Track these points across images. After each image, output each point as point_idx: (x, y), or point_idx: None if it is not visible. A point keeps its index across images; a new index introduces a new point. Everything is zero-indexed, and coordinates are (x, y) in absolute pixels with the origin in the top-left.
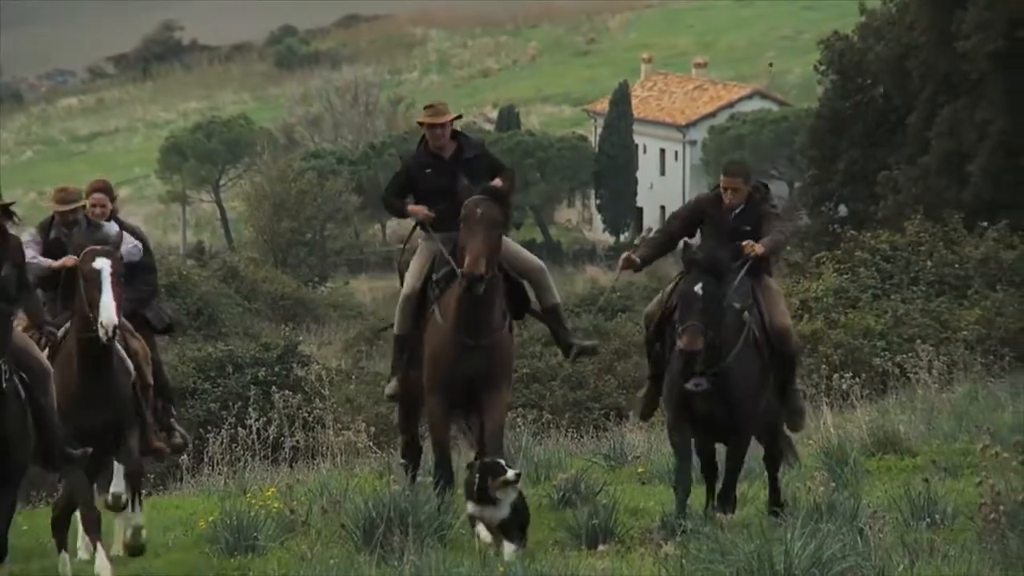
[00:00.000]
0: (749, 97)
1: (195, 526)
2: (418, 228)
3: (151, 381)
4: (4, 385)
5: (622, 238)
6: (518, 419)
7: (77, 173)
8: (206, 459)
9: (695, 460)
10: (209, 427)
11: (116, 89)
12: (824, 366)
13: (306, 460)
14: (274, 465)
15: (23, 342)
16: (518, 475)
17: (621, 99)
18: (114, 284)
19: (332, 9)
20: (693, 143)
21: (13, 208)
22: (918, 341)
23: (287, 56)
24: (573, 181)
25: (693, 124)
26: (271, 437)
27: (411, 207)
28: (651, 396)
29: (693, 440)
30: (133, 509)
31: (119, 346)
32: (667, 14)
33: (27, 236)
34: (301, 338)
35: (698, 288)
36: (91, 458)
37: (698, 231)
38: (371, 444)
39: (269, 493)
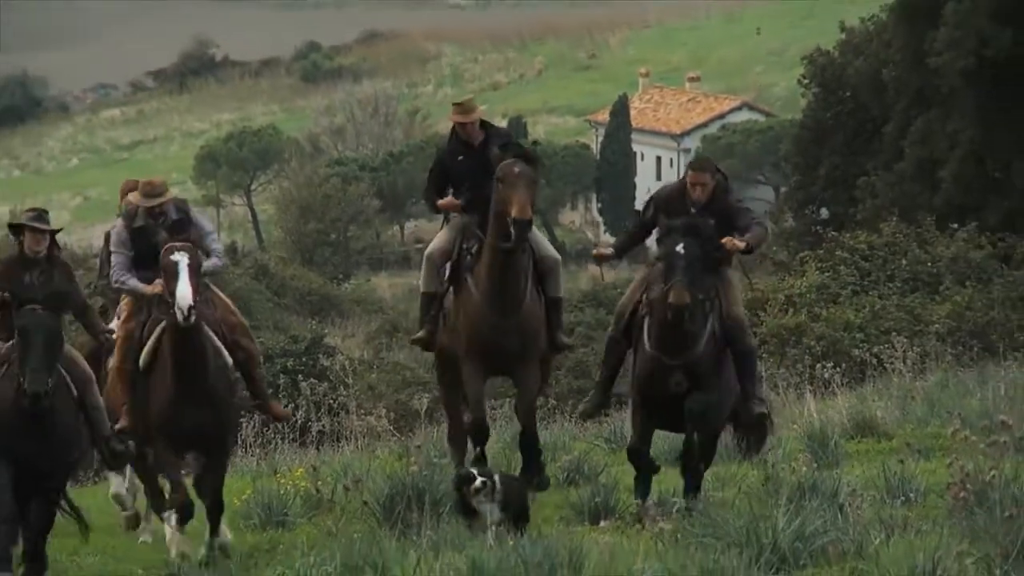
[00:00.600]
0: (738, 109)
1: (230, 503)
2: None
3: (254, 353)
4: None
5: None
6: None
7: (119, 179)
8: (239, 442)
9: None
10: (242, 413)
11: (155, 101)
12: (807, 356)
13: (331, 443)
14: (302, 448)
15: (69, 352)
16: (484, 482)
17: (620, 110)
18: (190, 274)
19: (354, 27)
20: (687, 151)
21: (60, 230)
22: (894, 333)
23: (312, 71)
24: (576, 186)
25: (687, 133)
26: (299, 422)
27: (440, 201)
28: (600, 400)
29: (662, 427)
30: (215, 533)
31: (213, 338)
32: (663, 32)
33: (116, 229)
34: (326, 331)
35: (680, 248)
36: (193, 457)
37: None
38: (391, 429)
39: (297, 473)
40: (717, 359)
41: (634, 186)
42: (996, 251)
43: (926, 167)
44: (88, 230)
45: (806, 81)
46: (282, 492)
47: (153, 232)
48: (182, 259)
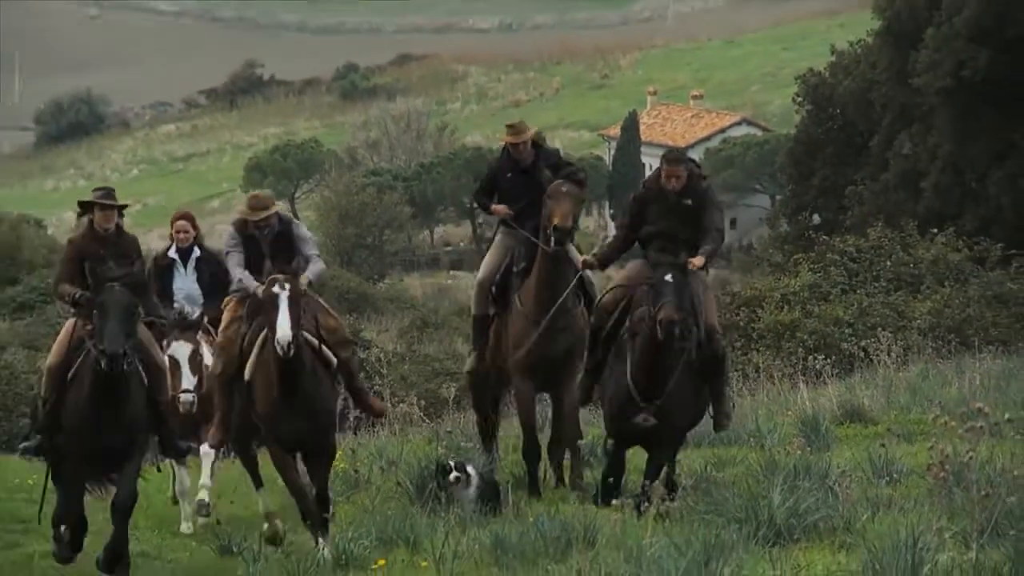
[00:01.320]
0: (738, 124)
1: (275, 483)
2: (500, 225)
3: (352, 353)
4: (127, 368)
5: None
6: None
7: (175, 187)
8: None
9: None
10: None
11: (207, 117)
12: (801, 349)
13: (367, 428)
14: (340, 432)
15: (146, 340)
16: (458, 477)
17: (631, 126)
18: (290, 305)
19: (388, 49)
20: None
21: (126, 210)
22: (879, 328)
23: (350, 89)
24: (590, 194)
25: (691, 146)
26: (338, 409)
27: (494, 206)
28: (587, 386)
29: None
30: (324, 536)
31: (313, 344)
32: (669, 54)
33: (227, 235)
34: (363, 326)
35: (668, 277)
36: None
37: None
38: (422, 415)
39: (337, 456)
40: (688, 392)
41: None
42: (972, 254)
43: (909, 177)
44: (147, 235)
45: (799, 99)
46: None
47: (261, 239)
48: (282, 292)
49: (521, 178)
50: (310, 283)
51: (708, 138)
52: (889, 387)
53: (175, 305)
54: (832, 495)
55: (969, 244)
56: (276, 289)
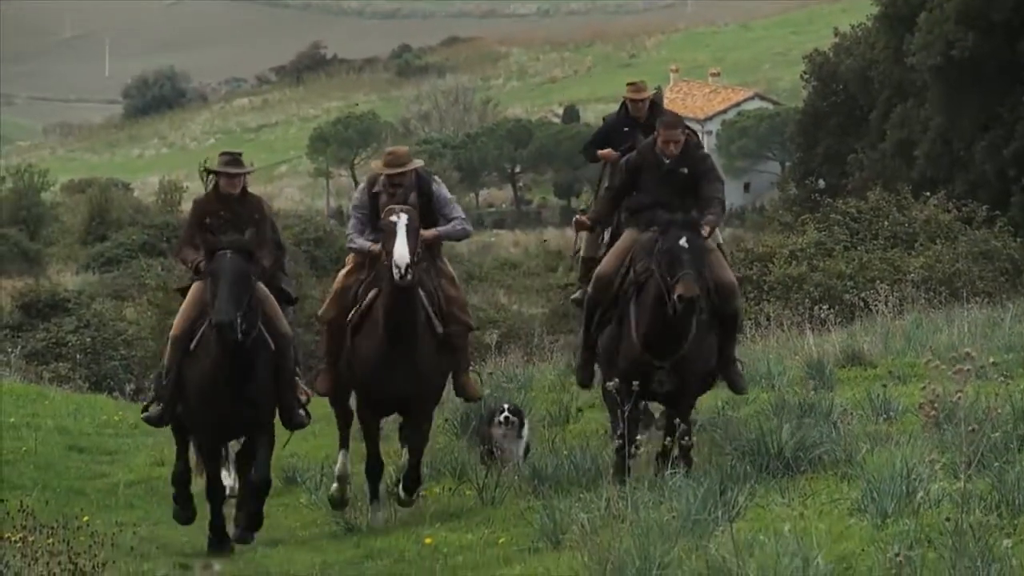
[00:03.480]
0: (751, 99)
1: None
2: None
3: (466, 328)
4: (240, 336)
5: None
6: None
7: (247, 155)
8: None
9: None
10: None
11: (277, 92)
12: (807, 300)
13: None
14: None
15: (272, 309)
16: (509, 420)
17: (656, 100)
18: (408, 234)
19: (439, 32)
20: (710, 133)
21: (251, 170)
22: (877, 281)
23: (405, 67)
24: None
25: (710, 119)
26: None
27: (601, 152)
28: (588, 364)
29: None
30: (409, 492)
31: (427, 307)
32: (690, 36)
33: (356, 192)
34: None
35: (683, 241)
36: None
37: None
38: None
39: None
40: (704, 349)
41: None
42: (961, 215)
43: (904, 146)
44: None
45: (806, 76)
46: None
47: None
48: (400, 219)
49: (637, 133)
50: (437, 236)
51: (725, 111)
52: (886, 334)
53: None
54: (835, 431)
55: (958, 206)
56: (394, 217)
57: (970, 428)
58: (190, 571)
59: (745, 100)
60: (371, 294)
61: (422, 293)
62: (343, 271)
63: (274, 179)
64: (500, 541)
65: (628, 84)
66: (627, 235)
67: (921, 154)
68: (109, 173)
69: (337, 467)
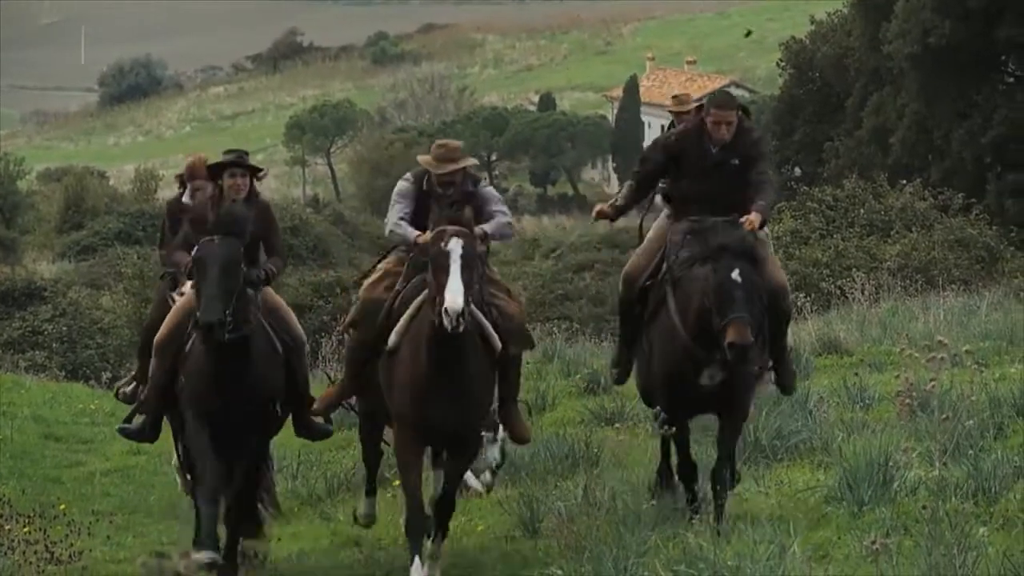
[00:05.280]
0: (727, 87)
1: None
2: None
3: (520, 352)
4: (227, 336)
5: None
6: (553, 329)
7: (223, 143)
8: (320, 357)
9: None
10: (322, 334)
11: (253, 80)
12: None
13: None
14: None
15: (285, 312)
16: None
17: (631, 88)
18: (464, 266)
19: (415, 19)
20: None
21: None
22: (853, 269)
23: (381, 55)
24: (595, 150)
25: None
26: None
27: None
28: (625, 360)
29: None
30: (440, 536)
31: (483, 324)
32: (666, 24)
33: (399, 185)
34: None
35: (736, 275)
36: (437, 456)
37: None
38: None
39: None
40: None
41: (642, 149)
42: (936, 202)
43: (880, 134)
44: None
45: (782, 64)
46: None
47: (437, 200)
48: (455, 248)
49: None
50: (485, 235)
51: (701, 99)
52: (862, 322)
53: None
54: (811, 419)
55: (934, 194)
56: (447, 245)
57: (944, 416)
58: (167, 559)
59: (721, 87)
60: (415, 304)
61: (474, 311)
62: (369, 279)
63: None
64: (478, 529)
65: (672, 98)
66: (656, 228)
67: (897, 142)
68: (85, 161)
69: (361, 508)
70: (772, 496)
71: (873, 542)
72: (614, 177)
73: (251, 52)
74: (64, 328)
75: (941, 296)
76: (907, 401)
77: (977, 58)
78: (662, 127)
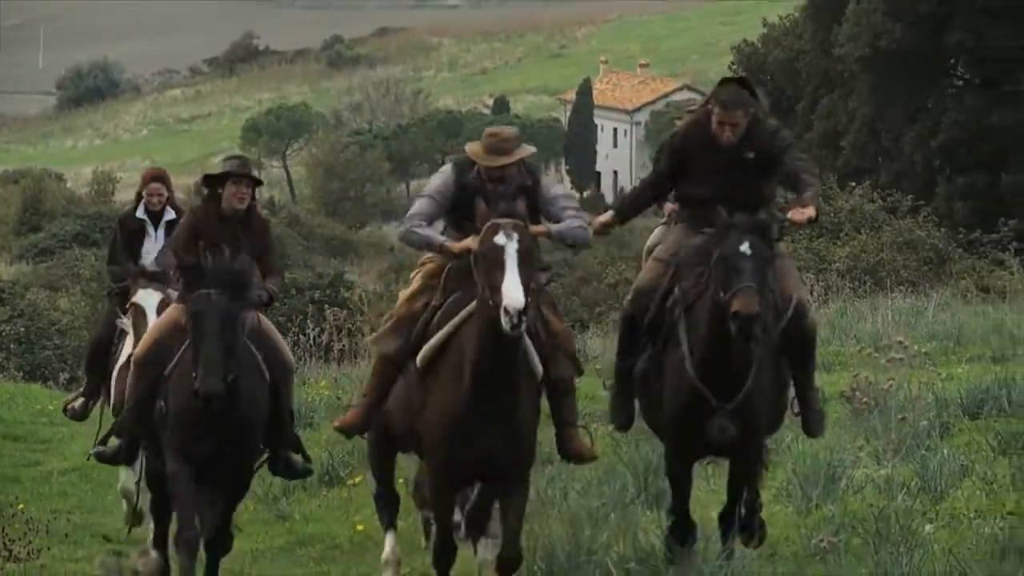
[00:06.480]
0: (680, 89)
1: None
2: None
3: (572, 370)
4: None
5: (585, 194)
6: None
7: (180, 146)
8: None
9: None
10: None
11: (209, 83)
12: None
13: (350, 359)
14: (326, 363)
15: (274, 338)
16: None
17: (585, 91)
18: (521, 261)
19: (370, 23)
20: (638, 124)
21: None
22: (803, 271)
23: (336, 58)
24: (549, 152)
25: (638, 109)
26: (324, 343)
27: None
28: (624, 401)
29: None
30: None
31: (529, 346)
32: (619, 27)
33: (440, 177)
34: (346, 268)
35: (745, 248)
36: (478, 493)
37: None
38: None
39: (322, 384)
40: (770, 382)
41: (595, 152)
42: (885, 204)
43: (830, 136)
44: None
45: (734, 67)
46: (309, 399)
47: (482, 196)
48: (510, 242)
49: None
50: (548, 233)
51: (653, 102)
52: None
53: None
54: None
55: (883, 196)
56: (501, 239)
57: (900, 417)
58: (125, 558)
59: (674, 91)
60: (455, 321)
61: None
62: (406, 292)
63: (207, 169)
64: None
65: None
66: (673, 235)
67: (847, 144)
68: (43, 164)
69: (385, 553)
70: (721, 495)
71: (821, 540)
72: (567, 179)
73: (208, 55)
74: (22, 329)
75: (889, 297)
76: (864, 400)
77: (927, 62)
78: (615, 130)
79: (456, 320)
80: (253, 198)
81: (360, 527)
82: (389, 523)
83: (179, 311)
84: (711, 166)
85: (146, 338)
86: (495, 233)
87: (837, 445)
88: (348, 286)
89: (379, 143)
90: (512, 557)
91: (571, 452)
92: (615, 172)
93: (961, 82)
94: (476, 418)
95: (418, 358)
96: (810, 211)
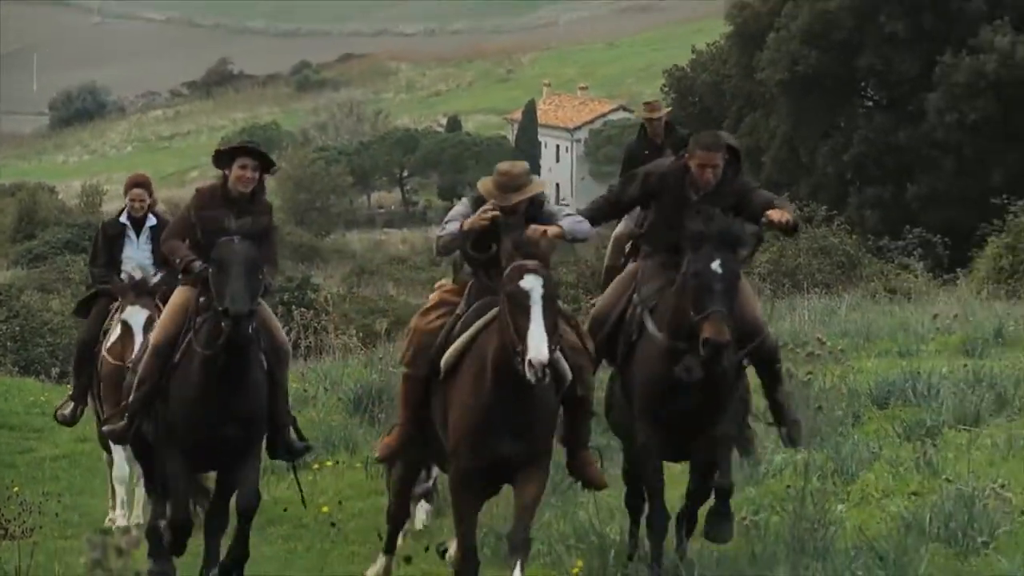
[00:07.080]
0: (616, 110)
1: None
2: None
3: (589, 389)
4: (251, 335)
5: None
6: None
7: (162, 161)
8: None
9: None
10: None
11: (188, 105)
12: None
13: (315, 356)
14: (293, 359)
15: (269, 321)
16: None
17: (530, 111)
18: (546, 308)
19: (335, 49)
20: (578, 141)
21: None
22: None
23: (304, 82)
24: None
25: (578, 128)
26: (292, 340)
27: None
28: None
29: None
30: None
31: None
32: (561, 54)
33: (459, 207)
34: (312, 272)
35: (716, 265)
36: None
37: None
38: (360, 345)
39: (290, 378)
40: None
41: (539, 167)
42: (803, 214)
43: (753, 152)
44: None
45: (666, 89)
46: None
47: (502, 228)
48: (535, 286)
49: (656, 157)
50: (562, 235)
51: (592, 121)
52: None
53: (122, 275)
54: None
55: (801, 206)
56: (526, 283)
57: (817, 406)
58: (110, 536)
59: (611, 111)
60: (477, 326)
61: None
62: (424, 309)
63: (186, 183)
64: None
65: (644, 104)
66: (639, 268)
67: (768, 159)
68: (37, 177)
69: (374, 569)
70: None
71: (743, 519)
72: None
73: (187, 79)
74: (17, 328)
75: (806, 298)
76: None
77: (840, 84)
78: (557, 147)
79: (479, 323)
80: (261, 181)
81: (324, 509)
82: (390, 548)
83: (187, 292)
84: (678, 213)
85: (164, 324)
86: (519, 274)
87: (758, 432)
88: (314, 288)
89: (343, 159)
90: (526, 541)
91: (585, 477)
92: (557, 185)
93: (870, 103)
94: (498, 420)
95: (442, 361)
96: (788, 214)
